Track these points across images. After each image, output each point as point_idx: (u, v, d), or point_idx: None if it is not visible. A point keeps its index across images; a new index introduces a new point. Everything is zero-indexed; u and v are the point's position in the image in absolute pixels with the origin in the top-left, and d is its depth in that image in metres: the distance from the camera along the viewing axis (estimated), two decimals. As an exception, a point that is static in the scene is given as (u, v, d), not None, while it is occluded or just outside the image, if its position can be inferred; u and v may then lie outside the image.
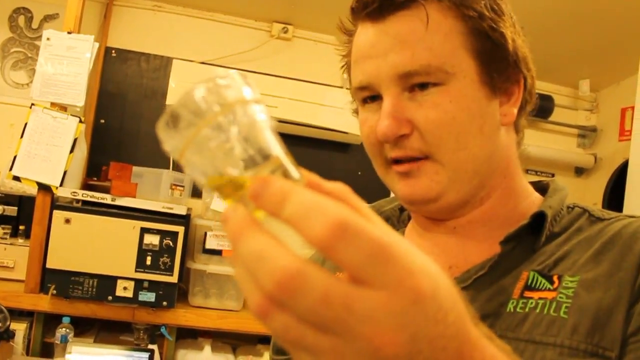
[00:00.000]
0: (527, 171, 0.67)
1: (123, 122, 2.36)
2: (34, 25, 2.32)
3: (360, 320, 0.28)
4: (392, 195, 0.75)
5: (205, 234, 2.00)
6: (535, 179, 0.71)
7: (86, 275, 1.80)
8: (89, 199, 1.84)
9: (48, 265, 1.78)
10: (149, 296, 1.84)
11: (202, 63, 2.37)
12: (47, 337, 1.87)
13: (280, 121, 2.23)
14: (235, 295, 2.02)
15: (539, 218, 0.59)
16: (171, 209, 1.89)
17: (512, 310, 0.55)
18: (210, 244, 1.99)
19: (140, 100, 2.38)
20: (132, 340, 1.96)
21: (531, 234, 0.59)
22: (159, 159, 2.15)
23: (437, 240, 0.65)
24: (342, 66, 0.68)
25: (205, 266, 1.98)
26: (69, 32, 1.88)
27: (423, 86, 0.57)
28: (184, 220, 1.91)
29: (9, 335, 1.70)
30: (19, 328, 1.77)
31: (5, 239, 1.92)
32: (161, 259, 1.85)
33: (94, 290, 1.80)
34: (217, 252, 2.00)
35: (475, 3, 0.58)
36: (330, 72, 2.46)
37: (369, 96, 0.62)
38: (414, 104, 0.58)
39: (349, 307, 0.28)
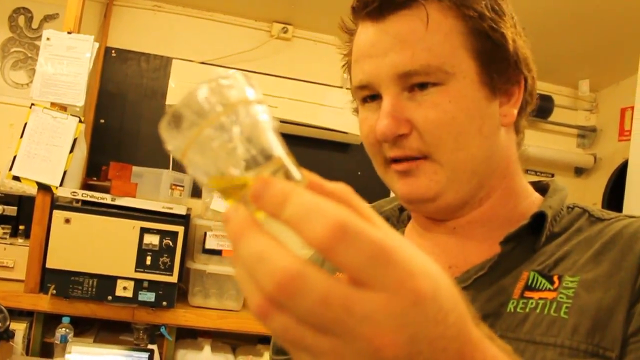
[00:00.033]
0: (526, 171, 0.67)
1: (123, 122, 2.36)
2: (34, 25, 2.32)
3: (359, 321, 0.28)
4: (392, 195, 0.75)
5: (205, 234, 2.00)
6: (535, 179, 0.71)
7: (86, 275, 1.80)
8: (88, 198, 1.84)
9: (48, 265, 1.78)
10: (148, 296, 1.84)
11: (202, 63, 2.37)
12: (47, 337, 1.87)
13: (280, 121, 2.18)
14: (235, 295, 2.02)
15: (539, 218, 0.59)
16: (171, 209, 1.89)
17: (512, 310, 0.55)
18: (210, 244, 1.99)
19: (140, 100, 2.38)
20: (132, 340, 1.96)
21: (531, 234, 0.59)
22: (158, 159, 2.15)
23: (437, 240, 0.65)
24: (343, 65, 0.68)
25: (205, 266, 1.98)
26: (69, 32, 1.88)
27: (423, 86, 0.57)
28: (184, 220, 1.91)
29: (8, 335, 1.70)
30: (19, 328, 1.77)
31: (5, 238, 1.92)
32: (161, 259, 1.85)
33: (94, 290, 1.80)
34: (217, 252, 2.00)
35: (475, 3, 0.58)
36: (330, 72, 2.46)
37: (369, 95, 0.62)
38: (413, 103, 0.58)
39: (349, 308, 0.28)
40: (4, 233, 1.93)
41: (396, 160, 0.60)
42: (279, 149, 0.33)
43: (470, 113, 0.57)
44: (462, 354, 0.31)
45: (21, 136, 1.84)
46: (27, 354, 1.81)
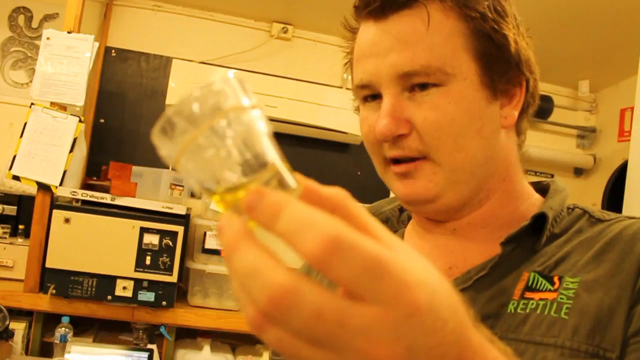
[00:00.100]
0: (526, 172, 0.67)
1: (123, 122, 2.36)
2: (34, 24, 2.32)
3: (355, 335, 0.28)
4: (391, 195, 0.75)
5: (205, 233, 2.00)
6: (535, 179, 0.71)
7: (86, 275, 1.80)
8: (88, 198, 1.84)
9: (47, 265, 1.78)
10: (148, 296, 1.84)
11: (202, 63, 2.37)
12: (47, 337, 1.86)
13: (280, 121, 2.23)
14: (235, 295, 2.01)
15: (539, 219, 0.59)
16: (171, 208, 1.89)
17: (512, 311, 0.55)
18: (210, 243, 1.99)
19: (140, 99, 2.38)
20: (132, 340, 1.96)
21: (532, 235, 0.59)
22: (158, 159, 2.10)
23: (437, 241, 0.65)
24: (345, 63, 0.68)
25: (205, 266, 1.98)
26: (68, 32, 1.88)
27: (423, 86, 0.57)
28: (184, 220, 1.91)
29: (8, 334, 1.70)
30: (18, 327, 1.77)
31: (5, 238, 1.92)
32: (161, 259, 1.85)
33: (94, 289, 1.80)
34: (217, 252, 2.00)
35: (478, 4, 0.57)
36: (330, 72, 2.46)
37: (370, 95, 0.62)
38: (413, 104, 0.58)
39: (343, 322, 0.28)
40: (4, 232, 1.93)
41: (396, 161, 0.60)
42: (273, 156, 0.33)
43: (470, 114, 0.57)
44: (462, 359, 0.31)
45: (21, 136, 1.84)
46: (26, 353, 1.81)
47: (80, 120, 1.89)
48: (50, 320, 1.88)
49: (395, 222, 0.75)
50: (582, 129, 2.79)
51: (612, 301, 0.51)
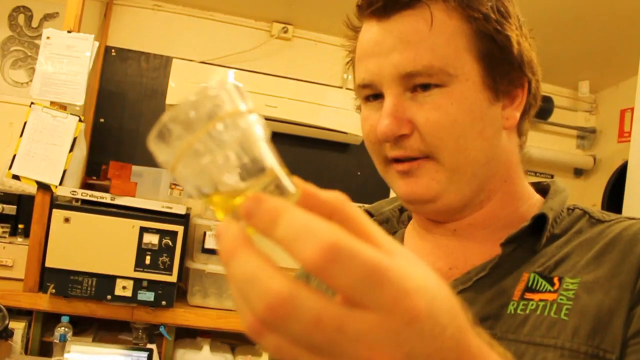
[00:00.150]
0: (526, 172, 0.67)
1: (123, 122, 2.36)
2: (34, 24, 2.32)
3: (354, 342, 0.28)
4: (391, 195, 0.75)
5: (205, 233, 2.00)
6: (535, 180, 0.71)
7: (85, 275, 1.80)
8: (88, 198, 1.84)
9: (47, 264, 1.78)
10: (148, 295, 1.84)
11: (202, 62, 2.37)
12: (46, 336, 1.86)
13: (280, 121, 2.23)
14: (234, 295, 2.01)
15: (540, 220, 0.59)
16: (170, 208, 1.89)
17: (512, 312, 0.55)
18: (210, 243, 1.99)
19: (140, 99, 2.38)
20: (131, 339, 1.96)
21: (532, 236, 0.59)
22: None
23: (437, 241, 0.65)
24: (347, 62, 0.68)
25: (205, 266, 1.97)
26: (69, 31, 1.88)
27: (425, 87, 0.57)
28: (183, 219, 1.91)
29: (7, 334, 1.70)
30: (18, 327, 1.77)
31: (5, 237, 1.92)
32: (160, 259, 1.84)
33: (93, 289, 1.80)
34: (216, 252, 1.99)
35: (481, 4, 0.57)
36: (330, 72, 2.46)
37: (372, 94, 0.61)
38: (415, 104, 0.58)
39: (342, 329, 0.28)
40: (3, 232, 1.93)
41: (398, 160, 0.60)
42: (271, 160, 0.33)
43: (472, 115, 0.57)
44: None
45: (21, 135, 1.84)
46: (26, 353, 1.81)
47: (80, 120, 1.89)
48: (50, 320, 1.87)
49: (395, 222, 0.75)
50: (582, 130, 2.79)
51: (612, 302, 0.51)
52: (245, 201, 0.30)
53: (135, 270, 1.83)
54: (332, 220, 0.29)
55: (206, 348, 1.99)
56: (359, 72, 0.62)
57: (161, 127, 0.32)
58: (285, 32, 2.45)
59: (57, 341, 1.75)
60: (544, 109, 2.62)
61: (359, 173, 2.52)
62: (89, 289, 1.80)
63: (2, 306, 1.67)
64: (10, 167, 1.82)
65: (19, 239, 1.93)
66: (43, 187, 1.83)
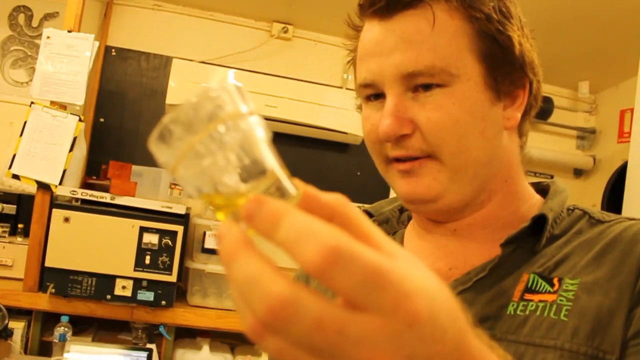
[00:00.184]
0: (526, 172, 0.67)
1: (123, 121, 2.36)
2: (34, 23, 2.32)
3: (355, 344, 0.28)
4: (391, 195, 0.75)
5: (204, 233, 2.00)
6: (535, 180, 0.71)
7: (85, 274, 1.80)
8: (88, 197, 1.84)
9: (47, 264, 1.78)
10: (147, 295, 1.84)
11: (202, 62, 2.37)
12: (46, 336, 1.86)
13: (280, 121, 2.22)
14: (234, 295, 2.01)
15: (539, 220, 0.59)
16: (170, 208, 1.89)
17: (512, 312, 0.55)
18: (209, 243, 1.99)
19: (140, 99, 2.38)
20: (131, 339, 1.96)
21: (531, 236, 0.59)
22: None
23: (437, 242, 0.65)
24: (348, 61, 0.68)
25: (204, 265, 1.97)
26: (69, 31, 1.88)
27: (427, 87, 0.57)
28: (183, 219, 1.91)
29: (7, 333, 1.70)
30: (17, 326, 1.77)
31: (4, 237, 1.92)
32: (160, 258, 1.84)
33: (93, 289, 1.80)
34: (216, 252, 1.99)
35: (483, 5, 0.57)
36: (330, 72, 2.46)
37: (373, 94, 0.61)
38: (417, 104, 0.58)
39: (343, 332, 0.28)
40: (3, 231, 1.93)
41: (399, 160, 0.60)
42: (272, 162, 0.33)
43: (473, 115, 0.57)
44: None
45: (21, 135, 1.84)
46: (25, 352, 1.81)
47: (80, 120, 1.88)
48: (50, 320, 1.87)
49: (395, 222, 0.75)
50: (581, 130, 2.79)
51: (612, 303, 0.51)
52: (246, 203, 0.30)
53: (135, 270, 1.83)
54: (332, 223, 0.29)
55: (206, 348, 1.99)
56: (360, 71, 0.62)
57: (162, 129, 0.32)
58: (285, 32, 2.45)
59: (57, 341, 1.75)
60: (544, 110, 2.62)
61: (358, 173, 2.52)
62: (88, 288, 1.80)
63: (1, 306, 1.67)
64: (10, 167, 1.82)
65: (19, 239, 1.93)
66: (43, 186, 1.83)
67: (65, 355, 1.69)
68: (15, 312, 1.80)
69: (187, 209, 1.96)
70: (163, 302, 1.86)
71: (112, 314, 1.87)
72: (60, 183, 1.83)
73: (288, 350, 0.29)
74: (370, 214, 0.74)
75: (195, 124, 0.31)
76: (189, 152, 0.31)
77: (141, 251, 1.83)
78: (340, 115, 2.31)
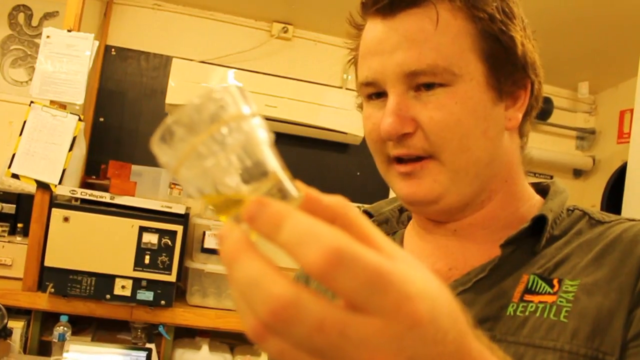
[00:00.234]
0: (526, 173, 0.68)
1: (122, 121, 2.36)
2: (34, 22, 2.32)
3: (356, 346, 0.28)
4: (391, 195, 0.75)
5: (204, 233, 2.00)
6: (534, 180, 0.71)
7: (84, 274, 1.80)
8: (87, 197, 1.84)
9: (46, 264, 1.78)
10: (147, 295, 1.84)
11: (202, 62, 2.37)
12: (45, 336, 1.86)
13: (280, 121, 2.22)
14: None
15: (539, 221, 0.59)
16: (170, 207, 1.89)
17: (512, 313, 0.54)
18: (209, 243, 1.99)
19: (139, 98, 2.38)
20: (130, 339, 1.96)
21: (531, 237, 0.59)
22: None
23: (437, 242, 0.65)
24: (349, 60, 0.68)
25: (204, 265, 1.97)
26: (69, 30, 1.88)
27: (429, 86, 0.57)
28: (183, 219, 1.91)
29: (6, 333, 1.70)
30: (17, 326, 1.77)
31: (4, 236, 1.92)
32: (159, 258, 1.84)
33: (92, 288, 1.80)
34: (216, 252, 1.98)
35: (486, 5, 0.57)
36: (330, 72, 2.46)
37: (374, 93, 0.61)
38: (419, 103, 0.57)
39: (345, 333, 0.28)
40: (2, 231, 1.92)
41: (400, 161, 0.60)
42: (274, 164, 0.33)
43: (476, 115, 0.57)
44: None
45: (20, 134, 1.84)
46: (24, 352, 1.81)
47: (79, 119, 1.88)
48: (49, 319, 1.87)
49: (395, 222, 0.75)
50: (581, 131, 2.79)
51: (612, 304, 0.51)
52: (248, 205, 0.30)
53: (134, 270, 1.83)
54: (334, 225, 0.30)
55: (205, 348, 1.99)
56: (362, 70, 0.62)
57: (165, 130, 0.32)
58: (285, 32, 2.45)
59: (56, 340, 1.74)
60: (544, 110, 2.62)
61: (358, 173, 2.52)
62: (88, 288, 1.80)
63: (1, 305, 1.67)
64: (9, 166, 1.82)
65: (18, 238, 1.93)
66: (42, 186, 1.83)
67: (65, 354, 1.69)
68: (15, 312, 1.80)
69: (187, 208, 1.96)
70: (162, 302, 1.86)
71: (112, 314, 1.87)
72: (60, 182, 1.83)
73: (289, 351, 0.29)
74: (370, 214, 0.74)
75: (198, 125, 0.31)
76: (191, 153, 0.31)
77: (141, 251, 1.83)
78: (340, 116, 2.31)
